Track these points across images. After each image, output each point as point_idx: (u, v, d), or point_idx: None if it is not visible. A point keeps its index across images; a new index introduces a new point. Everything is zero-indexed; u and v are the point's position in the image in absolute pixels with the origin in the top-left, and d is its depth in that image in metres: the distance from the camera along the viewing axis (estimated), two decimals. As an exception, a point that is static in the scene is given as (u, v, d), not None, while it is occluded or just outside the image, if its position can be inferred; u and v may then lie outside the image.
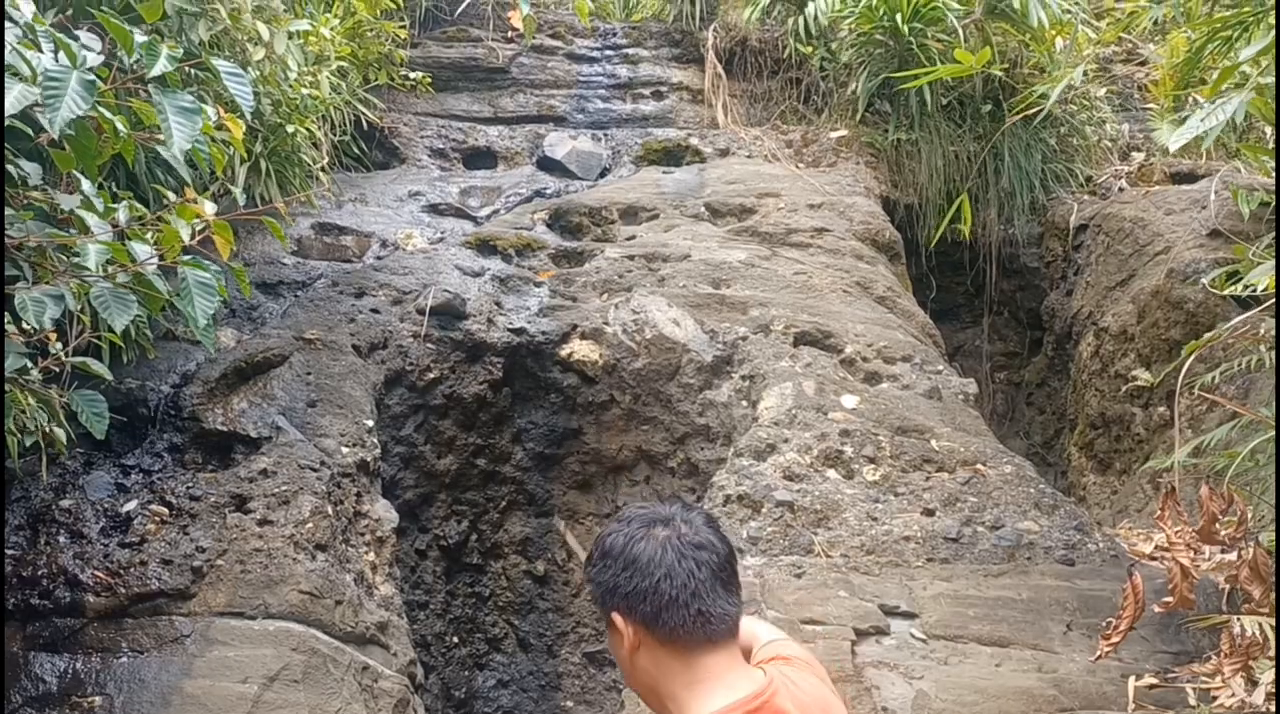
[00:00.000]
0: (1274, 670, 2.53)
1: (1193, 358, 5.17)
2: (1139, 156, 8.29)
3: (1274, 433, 2.98)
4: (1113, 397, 6.76)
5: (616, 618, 1.77)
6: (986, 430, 5.95)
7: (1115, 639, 4.21)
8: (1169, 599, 4.36)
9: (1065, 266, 7.79)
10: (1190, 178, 7.59)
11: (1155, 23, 7.73)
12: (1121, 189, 7.91)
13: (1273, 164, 6.20)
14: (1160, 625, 4.66)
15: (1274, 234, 2.91)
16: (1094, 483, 6.95)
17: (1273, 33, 4.18)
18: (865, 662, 4.43)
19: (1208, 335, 5.12)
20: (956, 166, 7.72)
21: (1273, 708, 3.97)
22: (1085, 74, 7.72)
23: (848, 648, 4.45)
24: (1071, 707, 4.27)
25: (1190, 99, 7.61)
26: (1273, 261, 4.72)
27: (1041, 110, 6.78)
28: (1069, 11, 7.72)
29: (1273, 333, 4.66)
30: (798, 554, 4.98)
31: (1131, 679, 4.37)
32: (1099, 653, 4.31)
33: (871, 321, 6.45)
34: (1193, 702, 4.20)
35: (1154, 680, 4.38)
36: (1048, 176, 7.88)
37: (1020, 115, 7.21)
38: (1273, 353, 4.64)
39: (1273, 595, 4.07)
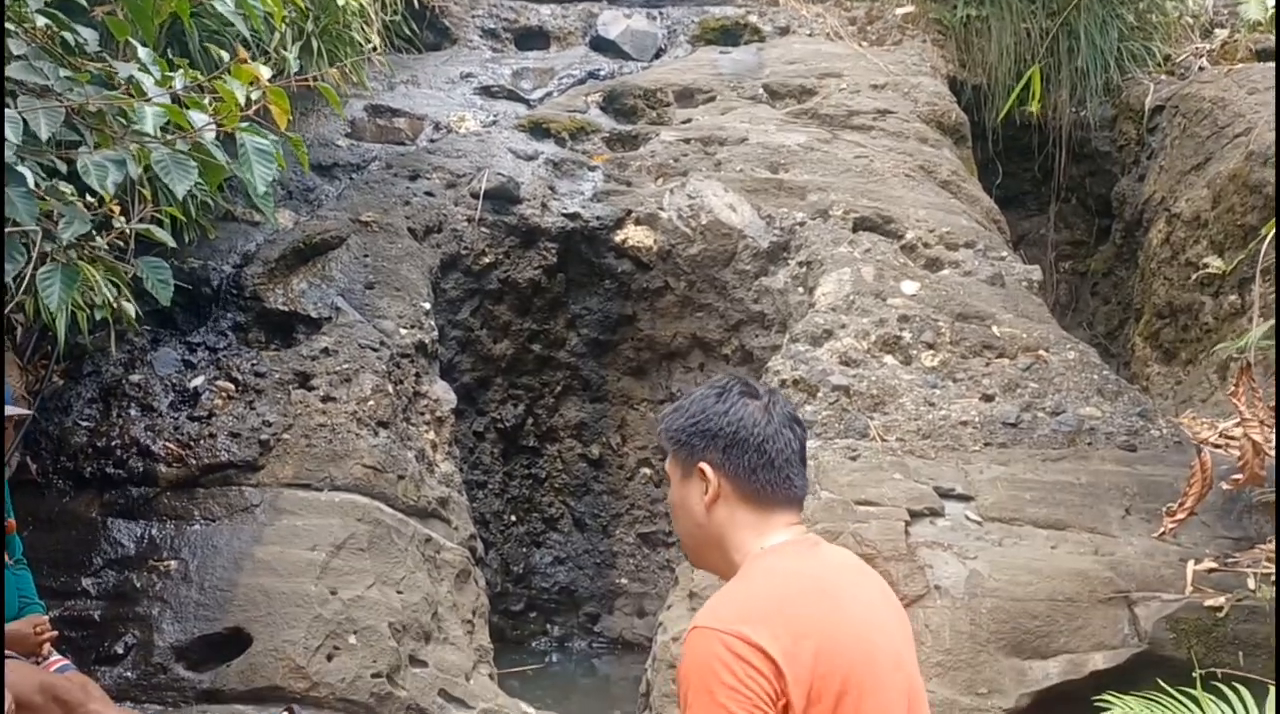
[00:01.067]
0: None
1: (1269, 241, 4.98)
2: (1222, 33, 7.86)
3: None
4: (1181, 285, 6.56)
5: (705, 468, 1.83)
6: (1049, 317, 5.83)
7: (1180, 515, 4.18)
8: (1238, 476, 4.30)
9: (1138, 150, 7.48)
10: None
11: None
12: (1201, 68, 7.53)
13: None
14: (1221, 511, 4.60)
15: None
16: (1158, 373, 6.80)
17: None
18: (919, 542, 4.45)
19: (1288, 218, 4.91)
20: (1028, 44, 7.38)
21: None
22: (1168, -57, 7.30)
23: (901, 528, 4.47)
24: (1128, 589, 4.27)
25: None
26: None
27: (1120, -17, 6.43)
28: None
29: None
30: (853, 438, 4.97)
31: (1190, 563, 4.35)
32: (1163, 529, 4.28)
33: (934, 207, 6.29)
34: (1251, 585, 4.17)
35: (1213, 564, 4.35)
36: (1123, 55, 7.51)
37: (1097, -11, 6.85)
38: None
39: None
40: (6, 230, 2.66)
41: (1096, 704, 2.80)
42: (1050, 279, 7.82)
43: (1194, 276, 6.39)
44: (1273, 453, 4.05)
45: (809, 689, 1.61)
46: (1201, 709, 2.53)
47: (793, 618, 1.66)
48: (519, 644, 6.52)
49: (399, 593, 4.44)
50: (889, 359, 5.33)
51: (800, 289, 6.05)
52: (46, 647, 3.26)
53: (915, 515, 4.53)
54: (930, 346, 5.34)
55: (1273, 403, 3.94)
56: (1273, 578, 4.17)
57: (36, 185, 2.73)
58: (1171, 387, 6.67)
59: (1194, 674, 3.52)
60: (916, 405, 5.06)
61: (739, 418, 1.81)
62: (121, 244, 3.70)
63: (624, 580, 6.78)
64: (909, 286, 5.67)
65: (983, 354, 5.34)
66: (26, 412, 4.16)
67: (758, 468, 1.79)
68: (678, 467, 1.92)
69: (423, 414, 5.32)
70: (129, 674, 3.98)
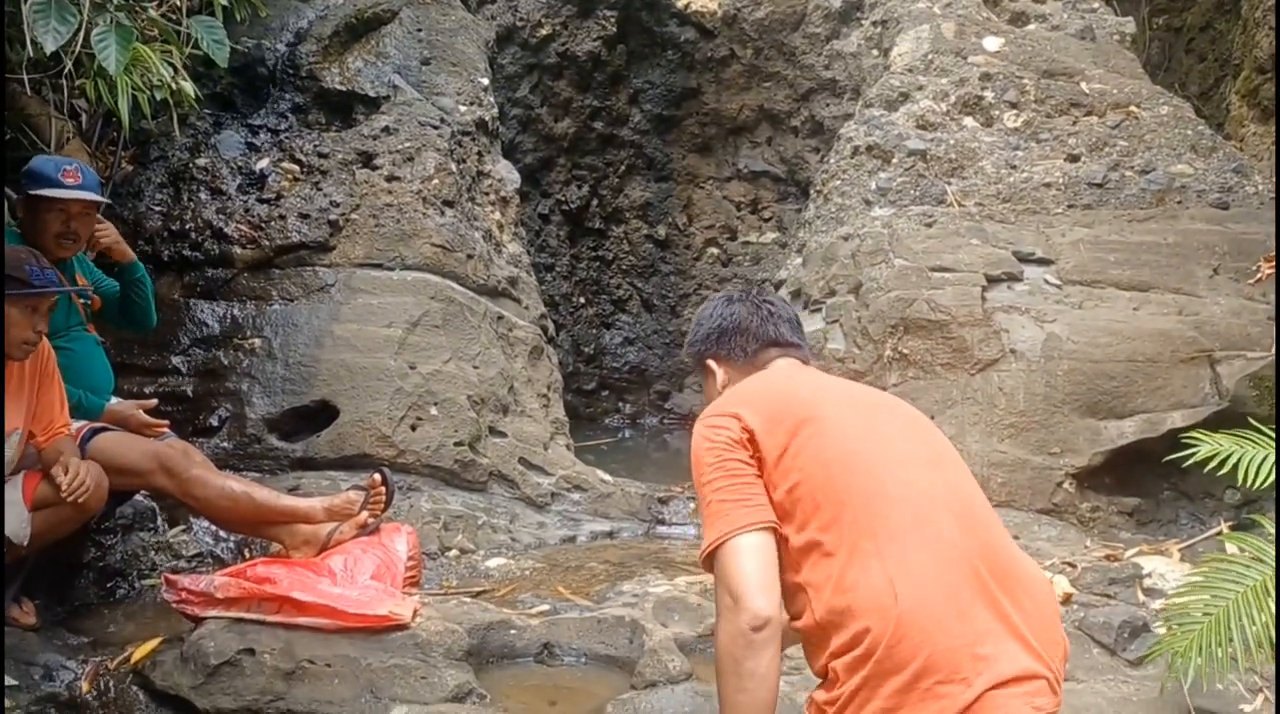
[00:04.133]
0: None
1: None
2: None
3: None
4: (1290, 35, 6.07)
5: (711, 364, 2.10)
6: (1142, 73, 5.47)
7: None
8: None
9: (1250, -115, 6.78)
10: None
11: None
12: None
13: None
14: (1316, 269, 4.43)
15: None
16: (1254, 133, 6.42)
17: None
18: (995, 307, 4.37)
19: None
20: None
21: None
22: None
23: (977, 294, 4.38)
24: (1211, 348, 4.18)
25: None
26: None
27: None
28: None
29: None
30: (929, 204, 4.82)
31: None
32: (1258, 276, 4.15)
33: (1019, -46, 5.81)
34: (1343, 340, 4.04)
35: (1302, 322, 4.22)
36: None
37: None
38: None
39: None
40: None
41: (1185, 441, 2.75)
42: (1142, 37, 7.30)
43: (1304, 24, 5.91)
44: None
45: (767, 428, 1.82)
46: (1292, 445, 2.50)
47: (762, 394, 1.92)
48: (592, 421, 6.71)
49: (475, 368, 4.54)
50: (969, 121, 5.08)
51: (874, 51, 5.74)
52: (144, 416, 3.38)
53: (992, 281, 4.43)
54: (1013, 106, 5.07)
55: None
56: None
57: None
58: (1268, 147, 6.30)
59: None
60: (997, 168, 4.86)
61: (724, 315, 2.09)
62: (173, 17, 3.59)
63: (693, 359, 6.86)
64: (992, 43, 5.33)
65: (1069, 112, 5.06)
66: (104, 199, 4.19)
67: (746, 344, 2.06)
68: (699, 372, 2.17)
69: (487, 194, 5.26)
70: (226, 445, 4.18)
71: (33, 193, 3.21)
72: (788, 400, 1.87)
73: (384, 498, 3.44)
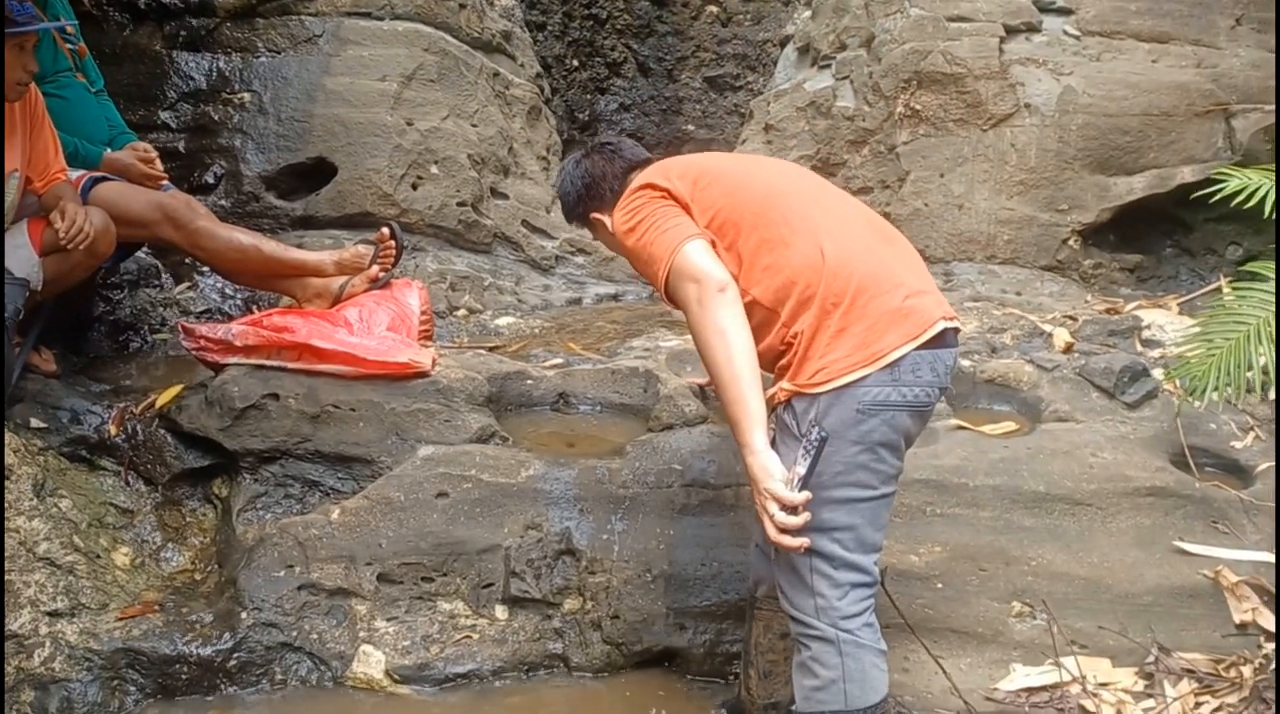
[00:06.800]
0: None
1: None
2: None
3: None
4: None
5: (596, 217, 2.30)
6: None
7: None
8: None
9: None
10: None
11: None
12: None
13: None
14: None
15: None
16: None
17: None
18: (1012, 59, 4.23)
19: None
20: None
21: None
22: None
23: (995, 45, 4.23)
24: (1228, 101, 4.10)
25: None
26: None
27: None
28: None
29: None
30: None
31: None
32: None
33: None
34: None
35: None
36: None
37: None
38: None
39: None
40: None
41: (1213, 178, 2.71)
42: None
43: None
44: None
45: (674, 185, 2.11)
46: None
47: (655, 171, 2.19)
48: (587, 190, 6.58)
49: (474, 126, 4.41)
50: None
51: None
52: (158, 165, 3.28)
53: (1011, 31, 4.27)
54: None
55: None
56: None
57: None
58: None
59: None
60: (1019, -89, 4.57)
61: (584, 173, 2.29)
62: None
63: (690, 127, 6.69)
64: None
65: None
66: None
67: (611, 184, 2.25)
68: (588, 228, 2.39)
69: (477, -60, 4.94)
70: (223, 203, 4.09)
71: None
72: (678, 164, 2.20)
73: (394, 252, 3.41)
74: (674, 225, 2.04)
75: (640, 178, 2.20)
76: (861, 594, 2.01)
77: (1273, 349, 2.20)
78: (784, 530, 1.90)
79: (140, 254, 3.65)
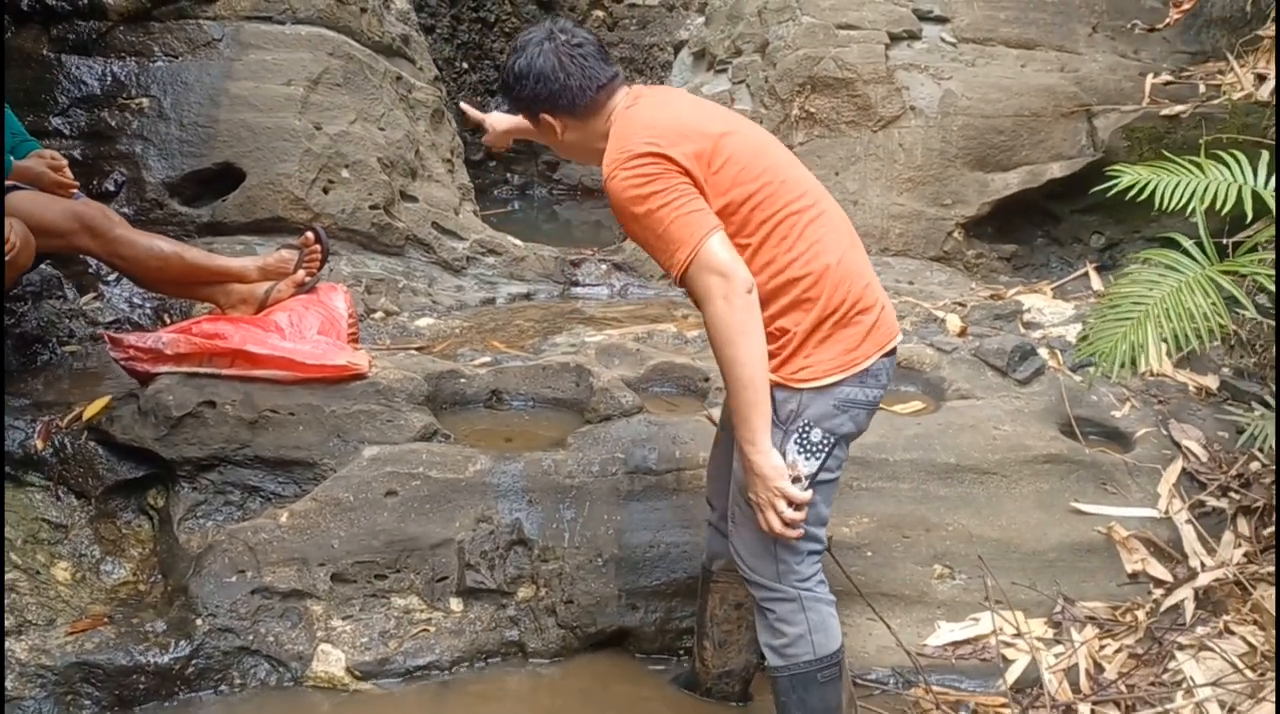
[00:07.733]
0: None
1: None
2: None
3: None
4: None
5: (546, 118, 2.24)
6: None
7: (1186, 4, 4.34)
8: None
9: None
10: None
11: None
12: None
13: None
14: (1181, 27, 4.74)
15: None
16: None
17: None
18: (897, 64, 4.52)
19: None
20: None
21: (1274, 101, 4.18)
22: None
23: (881, 51, 4.50)
24: (1090, 102, 4.48)
25: None
26: None
27: None
28: None
29: None
30: (830, -39, 4.82)
31: (1149, 77, 4.55)
32: (1168, 19, 4.45)
33: None
34: (1202, 90, 4.40)
35: (1169, 78, 4.56)
36: None
37: None
38: None
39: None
40: None
41: (1108, 174, 2.94)
42: None
43: None
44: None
45: (690, 163, 2.09)
46: (1204, 172, 2.77)
47: (663, 132, 2.11)
48: (482, 193, 6.61)
49: (381, 129, 4.42)
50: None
51: None
52: (68, 173, 3.17)
53: (894, 38, 4.55)
54: None
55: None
56: (1222, 89, 4.39)
57: None
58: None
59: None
60: (896, -75, 4.87)
61: (540, 73, 2.19)
62: None
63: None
64: None
65: None
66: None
67: (574, 99, 2.20)
68: (529, 121, 2.33)
69: (371, -56, 4.93)
70: (126, 210, 3.96)
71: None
72: (673, 128, 2.13)
73: (319, 256, 3.41)
74: (697, 210, 2.07)
75: (639, 133, 2.12)
76: (815, 558, 2.24)
77: (1169, 325, 2.48)
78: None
79: (42, 265, 3.53)
